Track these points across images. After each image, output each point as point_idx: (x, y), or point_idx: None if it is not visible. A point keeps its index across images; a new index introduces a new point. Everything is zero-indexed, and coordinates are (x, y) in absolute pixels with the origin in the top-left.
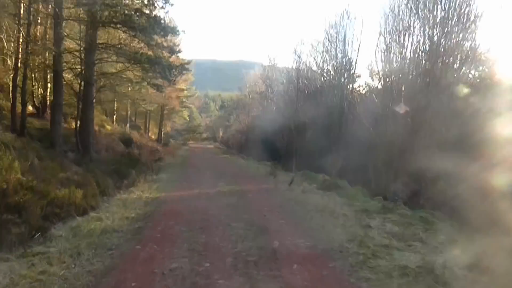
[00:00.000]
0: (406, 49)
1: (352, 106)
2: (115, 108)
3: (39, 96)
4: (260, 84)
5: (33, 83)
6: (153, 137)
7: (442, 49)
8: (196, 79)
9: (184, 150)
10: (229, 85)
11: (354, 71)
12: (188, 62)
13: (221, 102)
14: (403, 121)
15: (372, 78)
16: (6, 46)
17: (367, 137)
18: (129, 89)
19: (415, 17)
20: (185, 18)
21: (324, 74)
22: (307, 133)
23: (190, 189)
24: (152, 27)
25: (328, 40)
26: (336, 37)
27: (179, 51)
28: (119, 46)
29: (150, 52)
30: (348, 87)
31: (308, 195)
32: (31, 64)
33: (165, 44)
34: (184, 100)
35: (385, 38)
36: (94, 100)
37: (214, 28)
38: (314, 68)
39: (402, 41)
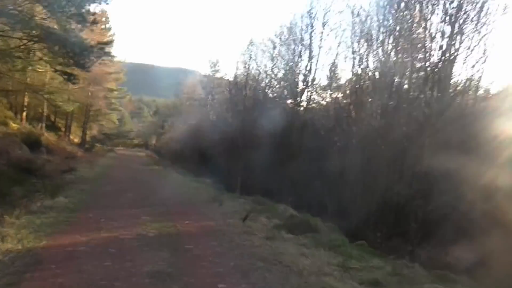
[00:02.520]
0: None
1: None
2: (25, 103)
3: None
4: (199, 91)
5: None
6: (76, 140)
7: None
8: (131, 83)
9: (109, 158)
10: (165, 92)
11: (313, 77)
12: (109, 42)
13: (155, 108)
14: None
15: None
16: None
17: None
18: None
19: None
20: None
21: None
22: (255, 148)
23: (94, 230)
24: None
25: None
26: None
27: (95, 22)
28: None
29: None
30: (307, 95)
31: (277, 244)
32: None
33: (72, 9)
34: (113, 101)
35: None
36: None
37: (153, 33)
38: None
39: None
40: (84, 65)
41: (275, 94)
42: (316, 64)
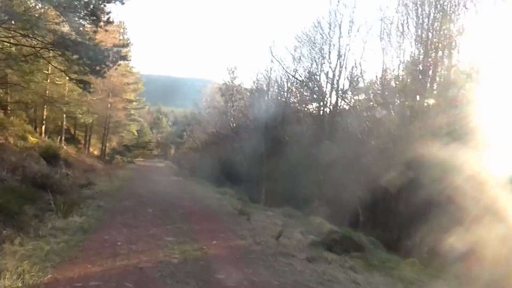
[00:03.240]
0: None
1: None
2: (44, 116)
3: None
4: (218, 99)
5: None
6: (95, 153)
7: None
8: (149, 94)
9: (129, 170)
10: (183, 102)
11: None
12: (126, 44)
13: (174, 118)
14: None
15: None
16: None
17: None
18: (46, 86)
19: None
20: (140, 30)
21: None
22: (279, 155)
23: (109, 257)
24: None
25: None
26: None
27: (109, 21)
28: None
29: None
30: (335, 98)
31: (321, 268)
32: None
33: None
34: (132, 112)
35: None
36: None
37: (171, 44)
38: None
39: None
40: (100, 71)
41: (298, 98)
42: (345, 64)
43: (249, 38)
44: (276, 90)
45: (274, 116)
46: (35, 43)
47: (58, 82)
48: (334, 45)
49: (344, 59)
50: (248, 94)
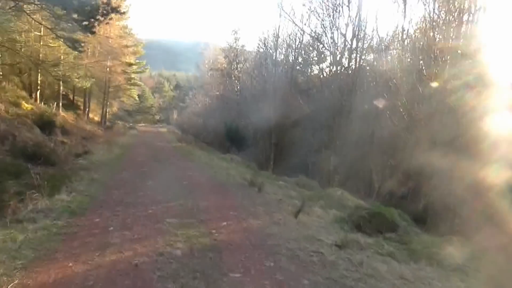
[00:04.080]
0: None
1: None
2: (38, 80)
3: None
4: (221, 60)
5: None
6: (96, 118)
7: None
8: (150, 59)
9: (130, 136)
10: (185, 66)
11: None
12: None
13: (176, 82)
14: None
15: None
16: None
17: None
18: (39, 49)
19: None
20: None
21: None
22: (289, 119)
23: (97, 249)
24: None
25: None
26: None
27: None
28: None
29: None
30: (354, 55)
31: (356, 257)
32: None
33: None
34: (132, 76)
35: None
36: None
37: (170, 7)
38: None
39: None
40: (89, 27)
41: (311, 56)
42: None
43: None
44: (284, 51)
45: (283, 77)
46: None
47: (52, 45)
48: None
49: (357, 14)
50: (254, 55)
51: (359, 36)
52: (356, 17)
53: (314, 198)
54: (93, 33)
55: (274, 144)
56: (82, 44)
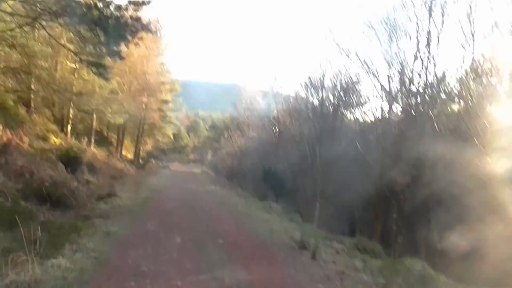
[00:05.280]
0: None
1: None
2: (70, 114)
3: None
4: (259, 101)
5: None
6: (128, 156)
7: None
8: (186, 99)
9: (162, 176)
10: (221, 107)
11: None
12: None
13: (211, 122)
14: None
15: None
16: None
17: None
18: (73, 81)
19: None
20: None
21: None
22: (336, 165)
23: None
24: None
25: None
26: None
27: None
28: None
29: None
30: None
31: None
32: None
33: None
34: (168, 114)
35: None
36: None
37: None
38: None
39: None
40: (118, 52)
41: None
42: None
43: (289, 45)
44: (324, 93)
45: (331, 118)
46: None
47: (86, 78)
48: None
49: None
50: (293, 97)
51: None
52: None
53: (387, 274)
54: (121, 58)
55: (319, 192)
56: (109, 71)
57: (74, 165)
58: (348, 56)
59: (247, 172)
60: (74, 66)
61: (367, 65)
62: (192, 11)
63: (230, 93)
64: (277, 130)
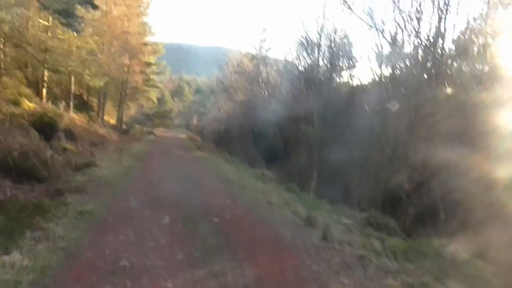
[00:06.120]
0: None
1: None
2: (45, 77)
3: None
4: (247, 63)
5: None
6: (111, 121)
7: None
8: (170, 62)
9: (147, 142)
10: (206, 71)
11: None
12: None
13: (196, 86)
14: None
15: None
16: None
17: None
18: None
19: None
20: None
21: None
22: (334, 128)
23: None
24: None
25: None
26: None
27: None
28: None
29: None
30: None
31: None
32: None
33: None
34: (152, 77)
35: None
36: None
37: (192, 12)
38: None
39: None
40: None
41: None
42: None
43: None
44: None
45: (328, 75)
46: None
47: (61, 36)
48: None
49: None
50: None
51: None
52: None
53: (413, 257)
54: (95, 7)
55: (317, 159)
56: (79, 21)
57: (49, 131)
58: (349, 8)
59: (235, 137)
60: (47, 24)
61: (371, 16)
62: None
63: (216, 57)
64: (266, 92)
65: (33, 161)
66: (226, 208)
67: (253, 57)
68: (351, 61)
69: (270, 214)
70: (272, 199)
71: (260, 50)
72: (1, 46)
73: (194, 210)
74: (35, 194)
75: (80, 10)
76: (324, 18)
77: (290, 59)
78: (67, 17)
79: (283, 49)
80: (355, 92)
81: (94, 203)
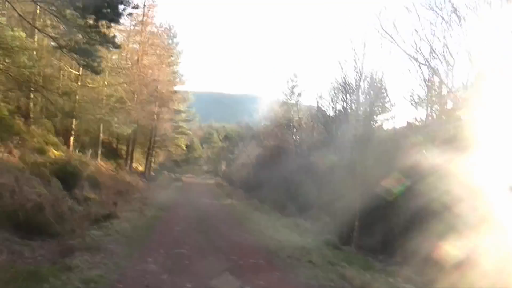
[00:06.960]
0: None
1: None
2: (73, 125)
3: None
4: (277, 109)
5: None
6: (140, 168)
7: None
8: (199, 110)
9: (173, 189)
10: (235, 118)
11: None
12: None
13: (225, 133)
14: None
15: None
16: None
17: None
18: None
19: None
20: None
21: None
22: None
23: None
24: None
25: None
26: None
27: None
28: None
29: None
30: None
31: None
32: None
33: None
34: (181, 125)
35: None
36: None
37: (220, 61)
38: None
39: None
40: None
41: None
42: None
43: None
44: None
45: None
46: None
47: (91, 85)
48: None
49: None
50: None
51: None
52: None
53: None
54: (117, 46)
55: (358, 208)
56: (99, 61)
57: (72, 180)
58: (393, 41)
59: (264, 184)
60: (78, 73)
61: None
62: (204, 21)
63: (244, 104)
64: (298, 138)
65: (46, 215)
66: (260, 270)
67: (283, 103)
68: (388, 104)
69: (313, 278)
70: (313, 257)
71: (290, 97)
72: (31, 96)
73: (223, 277)
74: (44, 252)
75: (103, 52)
76: (363, 58)
77: (322, 103)
78: (84, 55)
79: (315, 94)
80: (397, 138)
81: (104, 265)
